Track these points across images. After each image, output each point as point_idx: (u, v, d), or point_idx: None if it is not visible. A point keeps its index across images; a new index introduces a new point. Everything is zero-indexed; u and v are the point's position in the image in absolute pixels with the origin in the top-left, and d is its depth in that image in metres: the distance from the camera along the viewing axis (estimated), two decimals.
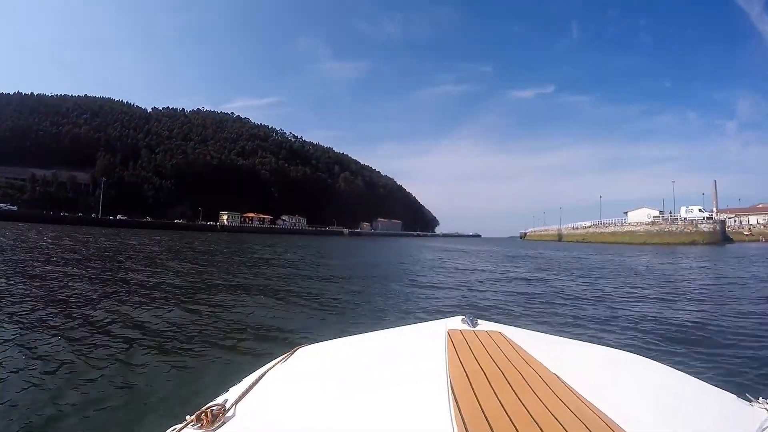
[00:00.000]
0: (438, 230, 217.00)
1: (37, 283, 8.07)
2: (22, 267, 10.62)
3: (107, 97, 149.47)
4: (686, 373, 1.43)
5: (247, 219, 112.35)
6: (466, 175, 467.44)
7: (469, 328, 1.81)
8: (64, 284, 8.11)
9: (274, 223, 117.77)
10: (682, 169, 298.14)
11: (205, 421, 1.04)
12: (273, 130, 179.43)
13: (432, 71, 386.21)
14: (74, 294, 7.15)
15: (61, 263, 11.90)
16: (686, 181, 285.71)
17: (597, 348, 1.78)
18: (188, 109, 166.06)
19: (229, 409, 1.12)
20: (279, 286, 9.23)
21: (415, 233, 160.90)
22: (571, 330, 5.45)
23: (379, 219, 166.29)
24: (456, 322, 1.90)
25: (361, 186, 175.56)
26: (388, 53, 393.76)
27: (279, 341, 4.50)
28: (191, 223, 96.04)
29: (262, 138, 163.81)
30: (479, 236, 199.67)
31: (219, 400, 1.20)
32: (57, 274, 9.46)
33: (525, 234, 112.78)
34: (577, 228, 74.73)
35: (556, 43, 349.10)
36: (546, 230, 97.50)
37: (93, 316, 5.48)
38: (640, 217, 57.19)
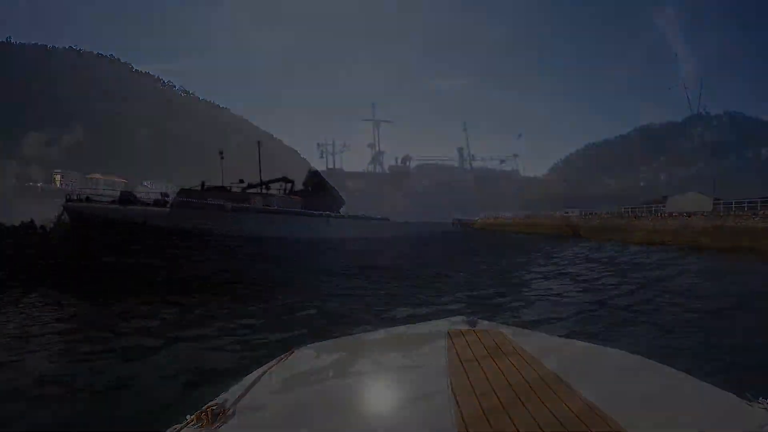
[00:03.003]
0: (342, 211, 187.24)
1: None
2: None
3: None
4: (686, 373, 1.41)
5: None
6: None
7: (469, 328, 1.80)
8: None
9: None
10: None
11: (205, 421, 1.04)
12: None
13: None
14: None
15: None
16: None
17: (597, 348, 1.74)
18: None
19: (229, 409, 1.11)
20: None
21: (319, 213, 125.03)
22: None
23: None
24: (456, 322, 1.89)
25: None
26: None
27: None
28: None
29: None
30: (387, 220, 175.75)
31: (219, 400, 1.20)
32: None
33: (462, 221, 55.81)
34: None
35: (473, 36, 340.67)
36: (550, 217, 40.36)
37: None
38: (690, 204, 32.10)
